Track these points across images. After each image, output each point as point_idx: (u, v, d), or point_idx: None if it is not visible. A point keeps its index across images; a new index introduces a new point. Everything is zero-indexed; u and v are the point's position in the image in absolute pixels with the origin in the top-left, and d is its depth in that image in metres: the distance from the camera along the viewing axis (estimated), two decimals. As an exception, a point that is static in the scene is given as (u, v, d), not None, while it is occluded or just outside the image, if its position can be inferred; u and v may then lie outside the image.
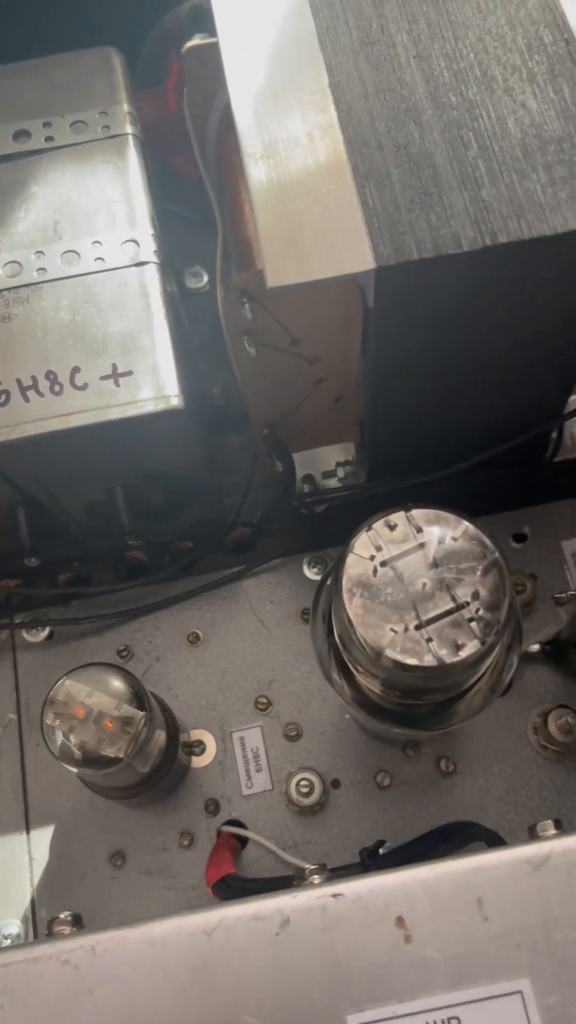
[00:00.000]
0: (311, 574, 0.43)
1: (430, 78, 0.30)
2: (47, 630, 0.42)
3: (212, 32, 0.38)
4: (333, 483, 0.42)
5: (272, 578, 0.43)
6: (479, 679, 0.30)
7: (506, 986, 0.23)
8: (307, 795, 0.38)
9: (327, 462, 0.43)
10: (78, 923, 0.26)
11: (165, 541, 0.41)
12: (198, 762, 0.39)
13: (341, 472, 0.42)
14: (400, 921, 0.24)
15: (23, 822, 0.39)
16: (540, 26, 0.31)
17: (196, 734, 0.40)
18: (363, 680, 0.30)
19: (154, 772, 0.35)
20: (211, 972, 0.23)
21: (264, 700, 0.40)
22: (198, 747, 0.40)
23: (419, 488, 0.38)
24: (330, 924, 0.24)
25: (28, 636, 0.42)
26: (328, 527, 0.42)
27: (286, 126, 0.30)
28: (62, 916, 0.26)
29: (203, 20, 0.47)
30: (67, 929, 0.25)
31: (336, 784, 0.39)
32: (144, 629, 0.42)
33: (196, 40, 0.35)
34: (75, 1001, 0.23)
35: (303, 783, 0.38)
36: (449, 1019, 0.23)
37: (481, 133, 0.29)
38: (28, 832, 0.39)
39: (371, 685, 0.30)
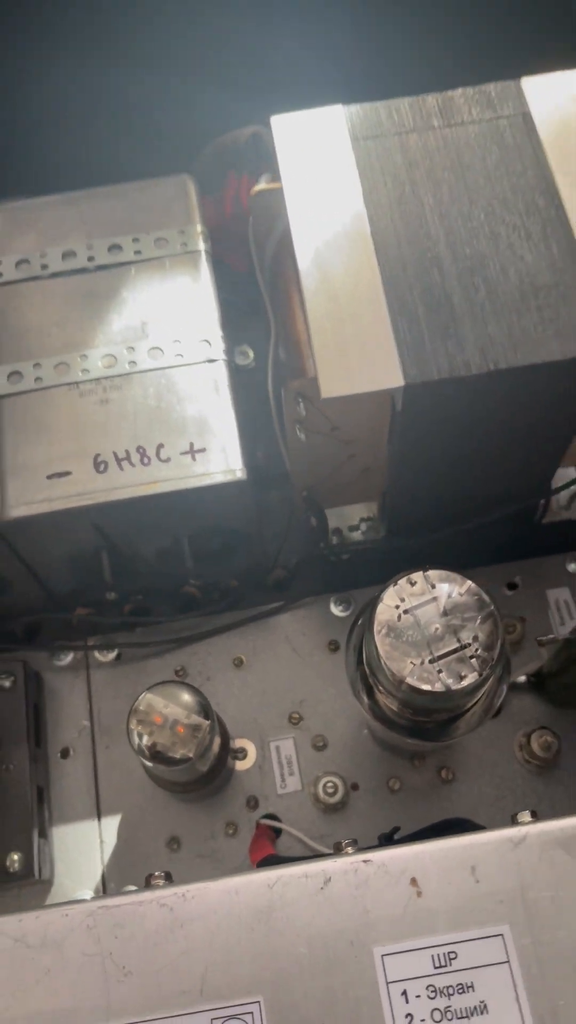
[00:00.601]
0: (337, 611, 0.51)
1: (450, 232, 0.39)
2: (116, 652, 0.50)
3: (266, 157, 0.47)
4: (357, 535, 0.51)
5: (304, 613, 0.51)
6: (476, 703, 0.38)
7: (491, 930, 0.31)
8: (332, 795, 0.46)
9: (352, 517, 0.51)
10: (169, 879, 0.34)
11: (217, 580, 0.49)
12: (241, 766, 0.48)
13: (364, 527, 0.51)
14: (414, 881, 0.32)
15: (95, 811, 0.47)
16: (536, 193, 0.40)
17: (240, 742, 0.48)
18: (383, 700, 0.38)
19: (209, 772, 0.43)
20: (272, 914, 0.31)
21: (296, 716, 0.48)
22: (241, 753, 0.48)
23: (430, 544, 0.47)
24: (361, 882, 0.32)
25: (100, 656, 0.50)
26: (352, 573, 0.51)
27: (336, 266, 0.38)
28: (156, 874, 0.34)
29: (260, 145, 0.56)
30: (161, 882, 0.33)
31: (355, 787, 0.47)
32: (198, 653, 0.50)
33: (263, 184, 0.44)
34: (170, 933, 0.31)
35: (328, 785, 0.46)
36: (448, 953, 0.31)
37: (488, 279, 0.38)
38: (99, 819, 0.47)
39: (390, 704, 0.38)
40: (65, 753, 0.48)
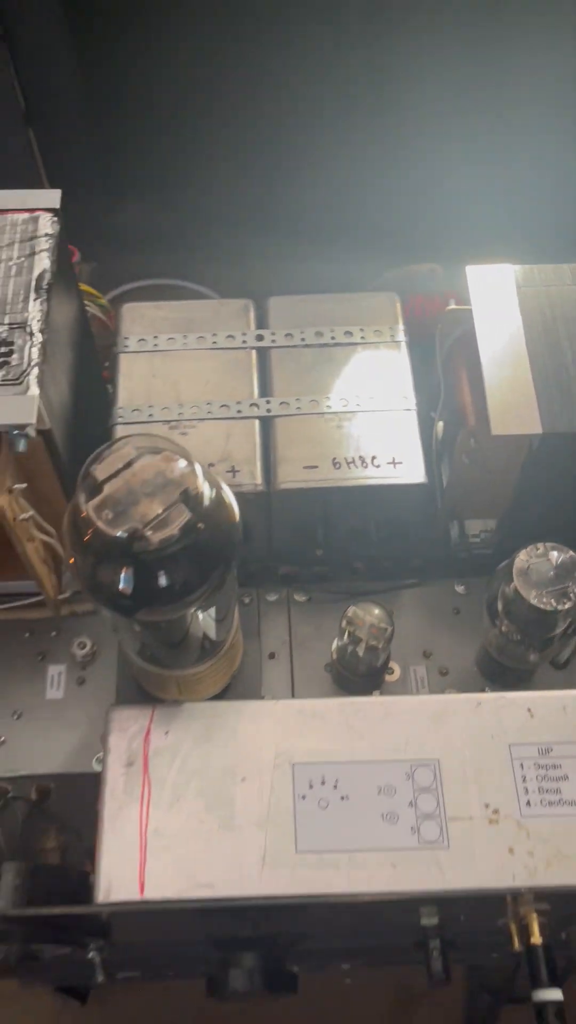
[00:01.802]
0: (459, 590, 0.74)
1: (573, 349, 0.64)
2: (307, 596, 0.73)
3: (439, 285, 0.73)
4: (476, 541, 0.74)
5: (436, 589, 0.75)
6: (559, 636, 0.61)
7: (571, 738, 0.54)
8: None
9: (475, 528, 0.75)
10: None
11: (384, 557, 0.73)
12: (389, 679, 0.70)
13: (482, 536, 0.74)
14: (530, 711, 0.54)
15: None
16: (627, 331, 0.65)
17: (390, 664, 0.71)
18: (505, 626, 0.61)
19: (378, 671, 0.66)
20: (447, 718, 0.54)
21: (428, 652, 0.71)
22: (391, 670, 0.71)
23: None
24: (499, 708, 0.55)
25: (297, 597, 0.73)
26: (469, 565, 0.74)
27: (503, 359, 0.63)
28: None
29: (434, 277, 0.83)
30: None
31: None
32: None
33: (453, 306, 0.69)
34: (387, 718, 0.54)
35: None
36: (547, 748, 0.53)
37: (595, 379, 0.63)
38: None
39: (511, 627, 0.61)
40: (272, 656, 0.71)
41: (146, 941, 0.54)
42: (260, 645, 0.71)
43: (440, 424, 0.72)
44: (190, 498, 0.46)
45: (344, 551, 0.72)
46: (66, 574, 0.69)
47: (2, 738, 0.67)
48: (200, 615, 0.54)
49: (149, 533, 0.45)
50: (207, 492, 0.47)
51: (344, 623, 0.63)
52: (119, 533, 0.45)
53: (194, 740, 0.53)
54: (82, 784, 0.64)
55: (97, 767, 0.66)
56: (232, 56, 0.89)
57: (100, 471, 0.46)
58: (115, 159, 0.99)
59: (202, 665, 0.59)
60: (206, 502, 0.47)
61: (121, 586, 0.46)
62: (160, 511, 0.46)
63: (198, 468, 0.47)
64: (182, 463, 0.47)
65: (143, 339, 0.72)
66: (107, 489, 0.46)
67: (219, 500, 0.49)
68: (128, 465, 0.47)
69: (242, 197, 0.98)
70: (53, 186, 0.64)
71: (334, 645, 0.67)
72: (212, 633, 0.57)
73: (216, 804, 0.51)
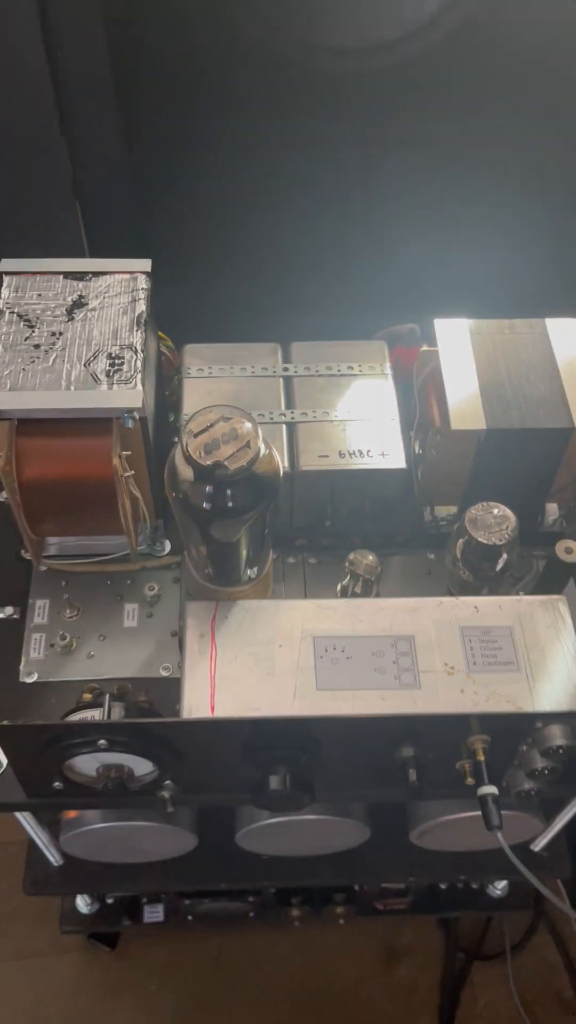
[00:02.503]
0: (431, 557, 0.99)
1: (510, 375, 0.91)
2: (318, 560, 0.98)
3: (420, 340, 1.01)
4: (443, 522, 1.00)
5: (413, 556, 0.99)
6: (502, 573, 0.86)
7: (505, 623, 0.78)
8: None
9: (443, 512, 1.00)
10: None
11: (375, 533, 0.98)
12: (379, 617, 0.94)
13: (448, 516, 1.00)
14: (476, 608, 0.79)
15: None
16: (548, 367, 0.92)
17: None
18: (464, 569, 0.86)
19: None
20: (420, 612, 0.78)
21: (407, 600, 0.96)
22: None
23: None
24: (456, 606, 0.79)
25: (310, 560, 0.98)
26: (439, 539, 0.99)
27: (462, 383, 0.90)
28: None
29: (412, 336, 1.11)
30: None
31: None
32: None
33: (425, 348, 0.97)
34: (379, 611, 0.78)
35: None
36: (487, 630, 0.77)
37: (523, 393, 0.89)
38: (307, 631, 0.93)
39: (468, 571, 0.85)
40: (292, 600, 0.95)
41: (207, 760, 0.76)
42: (284, 592, 0.96)
43: (416, 442, 0.99)
44: (251, 447, 0.72)
45: (346, 525, 0.97)
46: (140, 534, 0.94)
47: (93, 653, 0.91)
48: (245, 546, 0.79)
49: (227, 463, 0.70)
50: (262, 447, 0.73)
51: (347, 564, 0.88)
52: (208, 463, 0.70)
53: (246, 621, 0.77)
54: (149, 686, 0.88)
55: (163, 673, 0.89)
56: (262, 163, 1.20)
57: (195, 426, 0.72)
58: (153, 237, 1.28)
59: (244, 587, 0.83)
60: (261, 452, 0.73)
61: (206, 502, 0.72)
62: (233, 452, 0.71)
63: (259, 430, 0.73)
64: (247, 424, 0.73)
65: (201, 368, 0.99)
66: (200, 438, 0.72)
67: (270, 453, 0.75)
68: (212, 424, 0.72)
69: (268, 275, 1.28)
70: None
71: (338, 586, 0.91)
72: (253, 560, 0.82)
73: (262, 660, 0.75)
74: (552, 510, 1.00)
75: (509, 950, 1.40)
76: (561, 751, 0.73)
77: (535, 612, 0.79)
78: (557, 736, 0.72)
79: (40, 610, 0.93)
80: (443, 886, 1.32)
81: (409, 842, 1.07)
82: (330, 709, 0.72)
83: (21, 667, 0.90)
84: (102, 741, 0.72)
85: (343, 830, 1.01)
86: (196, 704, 0.72)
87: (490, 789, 0.72)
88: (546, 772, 0.76)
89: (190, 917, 1.29)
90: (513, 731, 0.74)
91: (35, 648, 0.91)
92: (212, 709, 0.72)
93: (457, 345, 0.93)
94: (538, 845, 1.12)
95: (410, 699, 0.73)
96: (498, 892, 1.32)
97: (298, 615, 0.78)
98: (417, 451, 0.98)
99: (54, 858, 1.10)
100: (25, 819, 0.98)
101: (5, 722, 0.71)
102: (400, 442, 0.93)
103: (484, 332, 0.94)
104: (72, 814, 1.00)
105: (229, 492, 0.71)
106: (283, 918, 1.29)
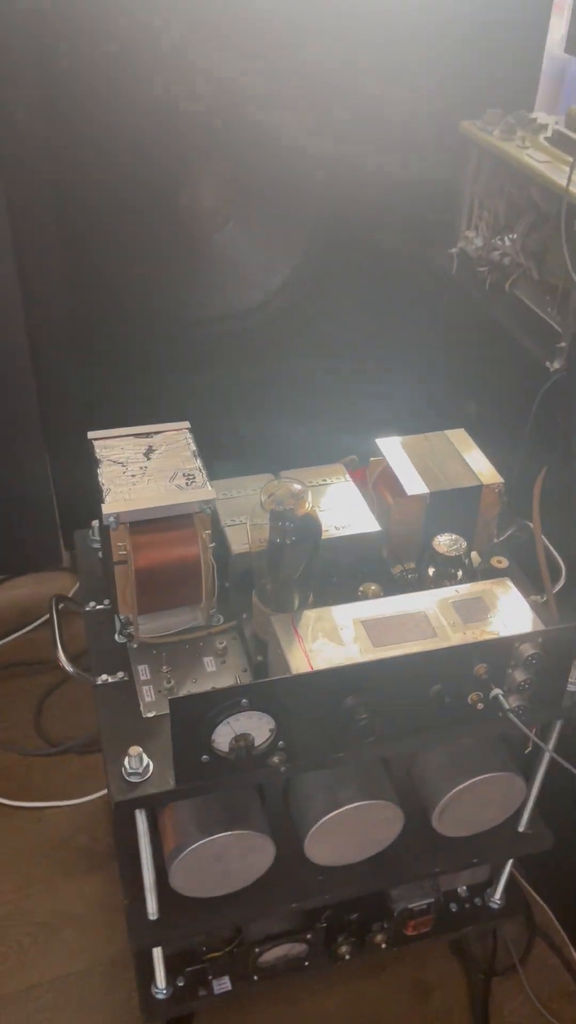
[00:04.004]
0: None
1: (435, 467, 1.39)
2: (335, 600, 1.36)
3: (358, 465, 1.49)
4: (407, 574, 1.42)
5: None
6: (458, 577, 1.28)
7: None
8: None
9: (405, 567, 1.43)
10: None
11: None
12: (383, 637, 1.33)
13: (409, 571, 1.42)
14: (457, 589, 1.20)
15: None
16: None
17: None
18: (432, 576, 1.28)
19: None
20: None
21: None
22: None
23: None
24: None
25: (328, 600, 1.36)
26: (404, 587, 1.41)
27: (409, 477, 1.37)
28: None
29: (354, 464, 1.59)
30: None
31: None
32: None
33: (373, 459, 1.44)
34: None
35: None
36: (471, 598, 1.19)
37: (447, 474, 1.37)
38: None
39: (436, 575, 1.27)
40: (320, 636, 1.32)
41: (307, 712, 1.10)
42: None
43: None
44: (304, 499, 1.14)
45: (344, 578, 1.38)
46: (205, 611, 1.31)
47: (191, 691, 1.24)
48: (298, 582, 1.18)
49: (291, 509, 1.12)
50: (310, 500, 1.15)
51: (359, 593, 1.28)
52: (280, 508, 1.12)
53: (312, 619, 1.15)
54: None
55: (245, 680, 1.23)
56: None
57: (269, 490, 1.14)
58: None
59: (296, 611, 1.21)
60: (309, 504, 1.15)
61: (279, 537, 1.12)
62: (294, 504, 1.13)
63: (308, 494, 1.16)
64: (297, 486, 1.15)
65: (223, 492, 1.41)
66: (273, 496, 1.13)
67: (313, 507, 1.17)
68: (278, 489, 1.15)
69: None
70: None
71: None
72: (303, 595, 1.21)
73: (332, 636, 1.12)
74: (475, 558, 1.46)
75: (518, 961, 1.66)
76: (534, 659, 1.13)
77: (493, 587, 1.22)
78: (528, 648, 1.13)
79: (143, 671, 1.26)
80: (453, 907, 1.60)
81: (432, 831, 1.39)
82: (385, 654, 1.10)
83: (141, 708, 1.21)
84: (244, 700, 1.06)
85: (384, 816, 1.32)
86: (299, 667, 1.09)
87: (496, 690, 1.11)
88: (526, 685, 1.15)
89: (256, 977, 1.50)
90: (502, 654, 1.14)
91: (148, 695, 1.23)
92: (310, 667, 1.08)
93: (395, 452, 1.41)
94: (523, 819, 1.46)
95: (433, 643, 1.12)
96: (497, 903, 1.62)
97: (347, 609, 1.17)
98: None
99: (152, 912, 1.33)
100: (144, 854, 1.24)
101: (179, 695, 1.04)
102: (372, 518, 1.38)
103: (409, 443, 1.44)
104: (172, 845, 1.26)
105: (293, 525, 1.13)
106: (333, 955, 1.52)
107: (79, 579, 1.45)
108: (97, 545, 1.45)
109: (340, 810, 1.28)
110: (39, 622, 2.27)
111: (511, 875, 1.59)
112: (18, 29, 1.61)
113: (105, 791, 1.85)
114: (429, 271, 1.95)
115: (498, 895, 1.61)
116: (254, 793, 1.31)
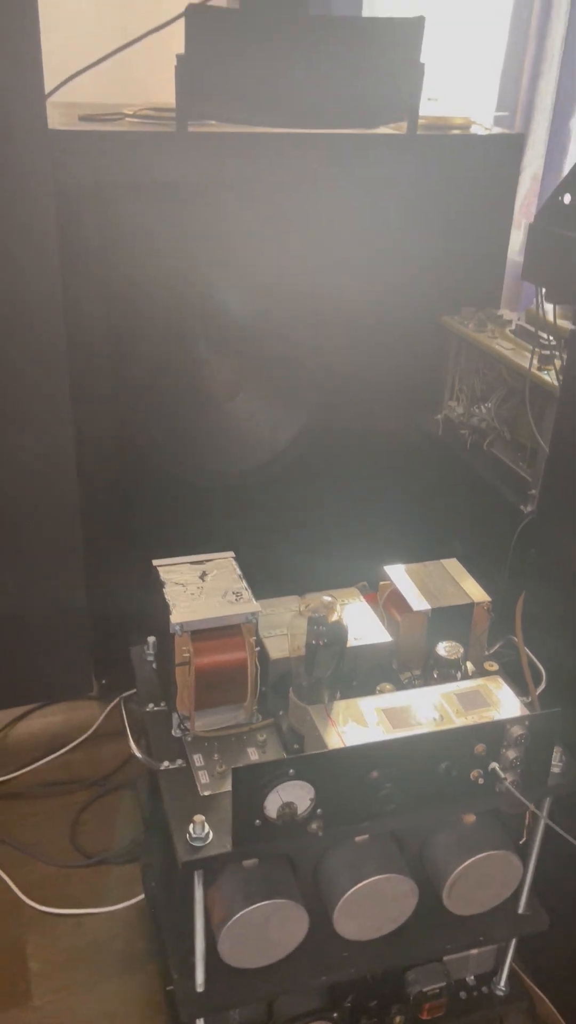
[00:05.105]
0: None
1: (434, 589, 1.69)
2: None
3: (369, 589, 1.78)
4: (413, 679, 1.69)
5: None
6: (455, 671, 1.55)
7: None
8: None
9: (412, 673, 1.69)
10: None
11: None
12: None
13: (414, 677, 1.69)
14: (456, 685, 1.47)
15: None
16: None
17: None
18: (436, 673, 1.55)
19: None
20: (429, 691, 1.46)
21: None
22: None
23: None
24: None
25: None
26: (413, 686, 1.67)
27: (413, 597, 1.66)
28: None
29: (365, 589, 1.88)
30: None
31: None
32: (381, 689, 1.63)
33: (382, 583, 1.73)
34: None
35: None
36: (466, 695, 1.45)
37: (444, 594, 1.67)
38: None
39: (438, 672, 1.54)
40: (344, 730, 1.57)
41: (339, 782, 1.34)
42: (337, 727, 1.58)
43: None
44: (334, 608, 1.43)
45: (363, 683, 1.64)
46: (247, 712, 1.57)
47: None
48: (329, 678, 1.45)
49: (324, 616, 1.41)
50: (339, 609, 1.44)
51: (377, 690, 1.55)
52: (316, 616, 1.40)
53: (342, 708, 1.42)
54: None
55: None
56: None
57: (307, 600, 1.43)
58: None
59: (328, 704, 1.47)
60: (339, 618, 1.44)
61: (315, 639, 1.40)
62: (326, 613, 1.42)
63: (337, 607, 1.45)
64: (328, 598, 1.45)
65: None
66: (310, 607, 1.42)
67: (343, 620, 1.45)
68: (312, 603, 1.44)
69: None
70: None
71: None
72: (332, 690, 1.48)
73: (360, 720, 1.38)
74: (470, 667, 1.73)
75: (524, 1048, 1.80)
76: (523, 739, 1.39)
77: (487, 683, 1.49)
78: (518, 730, 1.39)
79: (198, 759, 1.50)
80: (463, 995, 1.77)
81: (441, 911, 1.59)
82: (403, 734, 1.36)
83: (198, 788, 1.45)
84: (291, 770, 1.30)
85: (402, 890, 1.53)
86: (334, 746, 1.34)
87: (494, 763, 1.36)
88: (518, 762, 1.41)
89: (286, 1060, 1.64)
90: (497, 734, 1.40)
91: (203, 778, 1.47)
92: (344, 745, 1.34)
93: (401, 576, 1.72)
94: (522, 901, 1.66)
95: (441, 725, 1.39)
96: (502, 990, 1.79)
97: (370, 700, 1.44)
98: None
99: (199, 983, 1.51)
100: (198, 920, 1.44)
101: (240, 765, 1.29)
102: (384, 629, 1.66)
103: (411, 569, 1.74)
104: (220, 915, 1.46)
105: (326, 629, 1.41)
106: (357, 1038, 1.67)
107: (137, 686, 1.70)
108: (151, 658, 1.72)
109: (364, 882, 1.49)
110: (72, 745, 2.47)
111: (512, 969, 1.77)
112: (87, 242, 2.04)
113: (141, 896, 2.03)
114: (419, 432, 2.32)
115: (503, 982, 1.78)
116: (288, 869, 1.52)
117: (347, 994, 1.68)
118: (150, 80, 2.56)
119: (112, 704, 2.61)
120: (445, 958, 1.73)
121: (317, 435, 2.44)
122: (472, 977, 1.81)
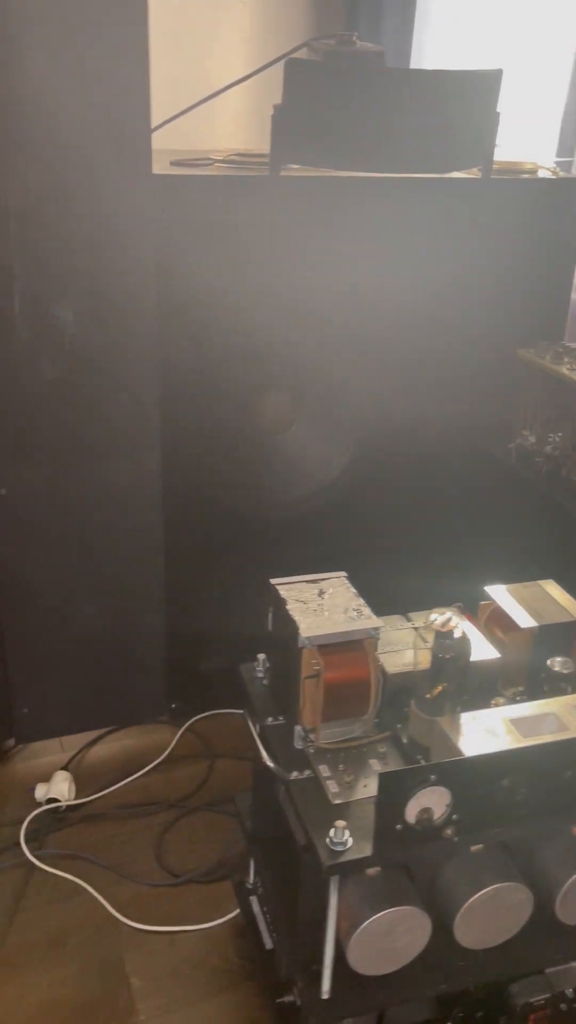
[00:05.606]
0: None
1: (537, 607, 1.76)
2: (461, 724, 1.68)
3: (466, 610, 1.85)
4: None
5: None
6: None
7: None
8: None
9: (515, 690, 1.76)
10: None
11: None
12: (508, 743, 1.64)
13: (519, 695, 1.75)
14: (573, 698, 1.54)
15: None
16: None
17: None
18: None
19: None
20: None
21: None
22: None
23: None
24: (562, 700, 1.54)
25: (457, 724, 1.67)
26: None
27: (518, 615, 1.73)
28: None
29: (463, 609, 1.95)
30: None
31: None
32: (484, 723, 1.69)
33: (483, 602, 1.80)
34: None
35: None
36: None
37: (548, 612, 1.74)
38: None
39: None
40: (458, 743, 1.63)
41: (476, 789, 1.39)
42: (451, 740, 1.64)
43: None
44: (457, 623, 1.50)
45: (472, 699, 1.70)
46: (373, 719, 1.62)
47: (366, 784, 1.53)
48: (452, 692, 1.52)
49: (450, 632, 1.48)
50: (461, 632, 1.51)
51: (492, 704, 1.61)
52: (444, 630, 1.47)
53: (467, 718, 1.48)
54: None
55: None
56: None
57: (434, 616, 1.50)
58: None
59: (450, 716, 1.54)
60: (462, 635, 1.51)
61: (442, 652, 1.47)
62: (451, 629, 1.49)
63: (461, 616, 1.52)
64: (451, 615, 1.52)
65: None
66: (437, 622, 1.49)
67: (465, 635, 1.52)
68: (437, 617, 1.51)
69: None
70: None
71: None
72: (454, 702, 1.54)
73: (490, 726, 1.45)
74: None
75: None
76: None
77: (601, 695, 1.56)
78: None
79: (324, 769, 1.56)
80: (563, 1007, 1.80)
81: (549, 922, 1.64)
82: (534, 742, 1.43)
83: (329, 797, 1.50)
84: (433, 776, 1.36)
85: (517, 899, 1.58)
86: (469, 753, 1.40)
87: None
88: None
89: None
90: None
91: (333, 787, 1.52)
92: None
93: (503, 595, 1.79)
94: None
95: (567, 735, 1.45)
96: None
97: (494, 711, 1.50)
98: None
99: (325, 991, 1.55)
100: (330, 925, 1.48)
101: (390, 769, 1.35)
102: (491, 647, 1.73)
103: (512, 588, 1.81)
104: (348, 923, 1.51)
105: (451, 643, 1.48)
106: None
107: (252, 701, 1.76)
108: (260, 674, 1.78)
109: (485, 890, 1.54)
110: (149, 767, 2.51)
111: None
112: (182, 281, 2.14)
113: (234, 913, 2.06)
114: (492, 461, 2.41)
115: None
116: (407, 878, 1.57)
117: (453, 1006, 1.72)
118: (194, 125, 2.67)
119: (184, 727, 2.65)
120: (547, 970, 1.77)
121: (389, 466, 2.53)
122: (571, 990, 1.84)
